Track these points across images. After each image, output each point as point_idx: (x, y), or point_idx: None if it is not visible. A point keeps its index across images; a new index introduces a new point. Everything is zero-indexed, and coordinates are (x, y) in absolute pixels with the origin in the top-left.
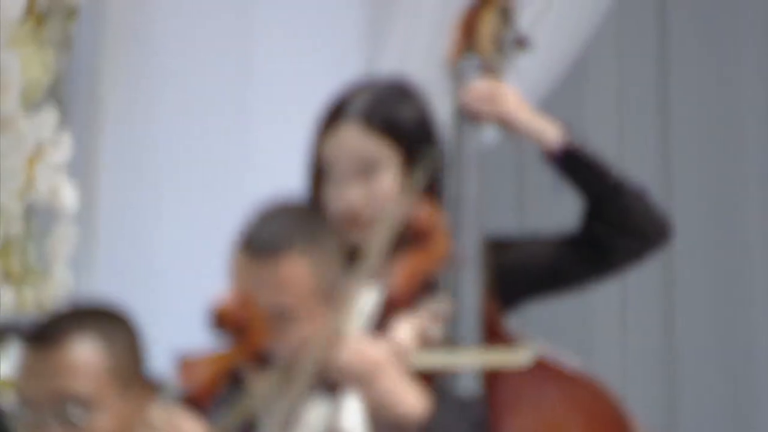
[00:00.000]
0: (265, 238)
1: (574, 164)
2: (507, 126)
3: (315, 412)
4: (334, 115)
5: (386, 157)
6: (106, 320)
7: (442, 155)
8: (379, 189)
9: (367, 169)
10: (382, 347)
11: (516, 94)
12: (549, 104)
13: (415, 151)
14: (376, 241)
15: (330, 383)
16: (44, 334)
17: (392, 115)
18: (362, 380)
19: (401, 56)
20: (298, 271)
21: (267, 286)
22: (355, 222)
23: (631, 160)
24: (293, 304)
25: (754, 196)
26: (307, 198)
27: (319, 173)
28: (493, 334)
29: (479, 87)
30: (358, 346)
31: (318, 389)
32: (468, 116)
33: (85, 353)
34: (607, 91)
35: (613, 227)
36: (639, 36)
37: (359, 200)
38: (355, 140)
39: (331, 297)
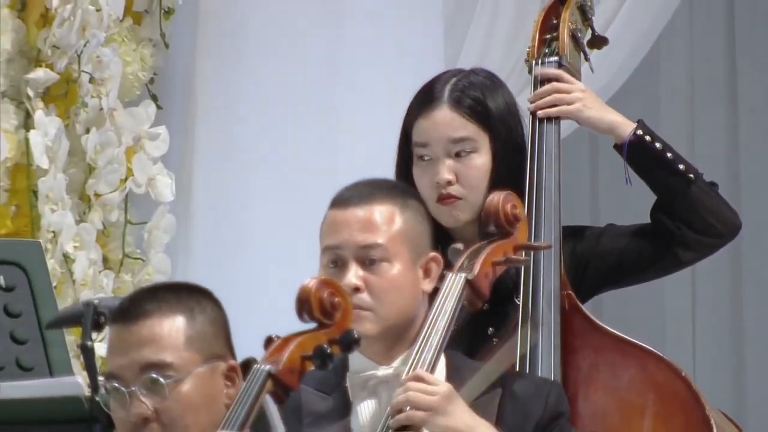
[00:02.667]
0: (360, 191)
1: (643, 157)
2: (577, 122)
3: None
4: (427, 100)
5: (477, 139)
6: (187, 296)
7: (524, 147)
8: (471, 168)
9: (459, 150)
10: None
11: (586, 91)
12: (622, 99)
13: (502, 137)
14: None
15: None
16: (129, 311)
17: (482, 100)
18: (442, 413)
19: (480, 54)
20: (387, 214)
21: (359, 228)
22: (448, 200)
23: (700, 155)
24: (381, 243)
25: None
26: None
27: (411, 156)
28: (570, 320)
29: (546, 89)
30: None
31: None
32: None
33: (166, 326)
34: (678, 86)
35: (682, 221)
36: (708, 32)
37: (452, 179)
38: (447, 122)
39: (418, 247)
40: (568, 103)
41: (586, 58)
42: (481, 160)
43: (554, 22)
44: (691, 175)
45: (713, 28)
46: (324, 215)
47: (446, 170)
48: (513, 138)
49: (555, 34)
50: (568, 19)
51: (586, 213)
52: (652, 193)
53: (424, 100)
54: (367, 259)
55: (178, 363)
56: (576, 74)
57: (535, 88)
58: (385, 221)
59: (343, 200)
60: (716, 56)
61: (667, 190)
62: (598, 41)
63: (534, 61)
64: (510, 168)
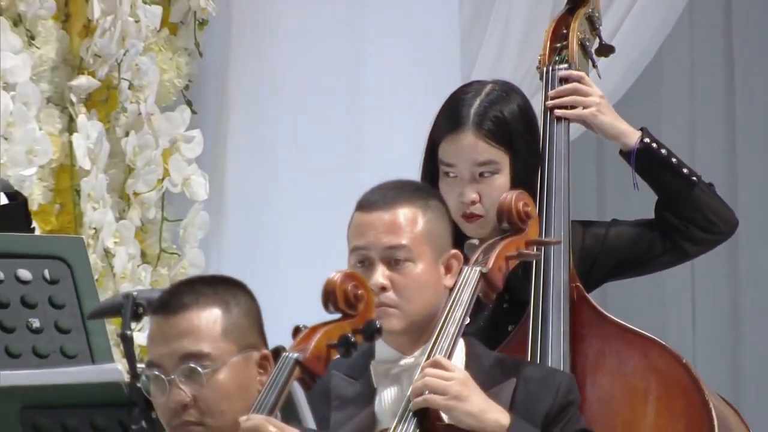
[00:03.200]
0: (384, 194)
1: (648, 163)
2: (589, 127)
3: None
4: (454, 124)
5: (499, 161)
6: (223, 290)
7: (539, 152)
8: (493, 189)
9: (482, 171)
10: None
11: (603, 98)
12: (627, 103)
13: (522, 154)
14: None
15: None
16: (169, 303)
17: (503, 120)
18: (458, 398)
19: (493, 62)
20: (411, 216)
21: (385, 231)
22: (472, 219)
23: (700, 157)
24: (405, 245)
25: None
26: None
27: (437, 168)
28: (578, 310)
29: (568, 88)
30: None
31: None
32: (555, 117)
33: (203, 318)
34: (679, 92)
35: (687, 219)
36: (708, 42)
37: (476, 198)
38: (472, 147)
39: (440, 246)
40: (585, 106)
41: (594, 66)
42: (502, 179)
43: (564, 31)
44: (694, 178)
45: (712, 38)
46: (351, 217)
47: (471, 191)
48: (531, 148)
49: (565, 42)
50: (577, 29)
51: (593, 211)
52: (652, 193)
53: (451, 123)
54: (393, 260)
55: (215, 353)
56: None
57: (547, 91)
58: (409, 223)
59: (368, 203)
60: (716, 63)
61: (672, 192)
62: (605, 49)
63: (545, 68)
64: (527, 176)
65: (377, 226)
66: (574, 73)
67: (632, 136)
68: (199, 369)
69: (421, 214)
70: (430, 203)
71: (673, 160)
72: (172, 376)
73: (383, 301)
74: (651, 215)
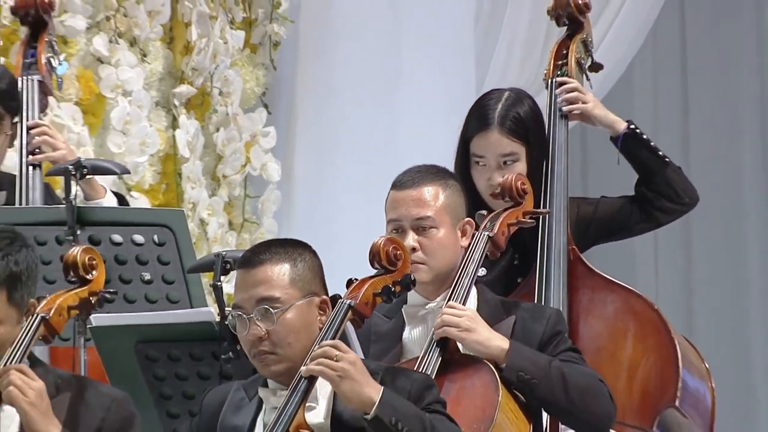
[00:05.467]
0: (412, 176)
1: (632, 144)
2: (588, 120)
3: None
4: (483, 123)
5: (518, 152)
6: (292, 249)
7: (546, 142)
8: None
9: (506, 160)
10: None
11: (594, 99)
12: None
13: (535, 147)
14: None
15: None
16: (250, 260)
17: (521, 122)
18: (468, 330)
19: (502, 72)
20: (434, 192)
21: (414, 205)
22: (499, 198)
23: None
24: (430, 215)
25: (749, 176)
26: (458, 175)
27: (468, 158)
28: (574, 267)
29: (572, 86)
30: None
31: None
32: (558, 117)
33: (275, 270)
34: (644, 97)
35: (657, 193)
36: (667, 59)
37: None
38: (497, 142)
39: (457, 215)
40: (585, 102)
41: (588, 78)
42: (521, 166)
43: (564, 52)
44: (667, 159)
45: (671, 54)
46: (387, 194)
47: (498, 176)
48: (541, 141)
49: (565, 60)
50: (574, 51)
51: (579, 186)
52: (625, 179)
53: (479, 124)
54: (420, 227)
55: (284, 297)
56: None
57: (551, 96)
58: (432, 198)
59: (400, 184)
60: (673, 73)
61: (649, 168)
62: (596, 66)
63: (549, 80)
64: (539, 163)
65: (408, 201)
66: (569, 79)
67: (621, 124)
68: (271, 310)
69: (442, 191)
70: (448, 182)
71: (652, 143)
72: (251, 315)
73: (414, 260)
74: (623, 192)
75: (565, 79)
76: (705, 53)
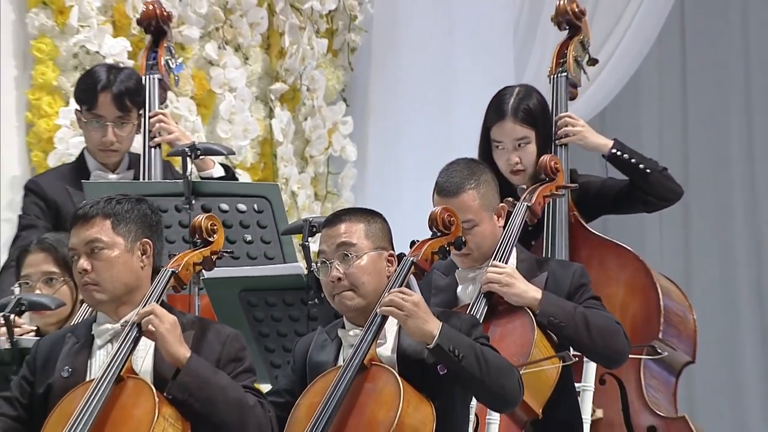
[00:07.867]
0: (450, 181)
1: (617, 164)
2: (581, 143)
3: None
4: (499, 114)
5: (529, 137)
6: (367, 215)
7: (551, 127)
8: (527, 154)
9: (520, 143)
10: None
11: (584, 126)
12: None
13: (543, 132)
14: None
15: None
16: (332, 219)
17: (531, 112)
18: (507, 284)
19: (535, 74)
20: (470, 198)
21: (457, 211)
22: (517, 174)
23: (666, 147)
24: (471, 218)
25: (737, 170)
26: (481, 158)
27: (489, 143)
28: (575, 229)
29: (565, 121)
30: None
31: None
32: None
33: (353, 225)
34: (651, 102)
35: (647, 193)
36: (671, 64)
37: (518, 160)
38: (512, 129)
39: (492, 205)
40: (573, 134)
41: (585, 73)
42: (532, 147)
43: (564, 51)
44: (648, 170)
45: (673, 62)
46: (432, 195)
47: (514, 156)
48: (547, 126)
49: (565, 58)
50: (573, 50)
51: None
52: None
53: (497, 115)
54: (464, 228)
55: (359, 245)
56: (578, 84)
57: (555, 94)
58: (470, 202)
59: (441, 191)
60: (675, 81)
61: (633, 179)
62: (591, 61)
63: (552, 76)
64: (546, 145)
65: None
66: (563, 114)
67: (606, 147)
68: (348, 255)
69: (476, 192)
70: (481, 179)
71: (633, 160)
72: (332, 261)
73: (465, 252)
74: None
75: (560, 116)
76: (701, 63)
